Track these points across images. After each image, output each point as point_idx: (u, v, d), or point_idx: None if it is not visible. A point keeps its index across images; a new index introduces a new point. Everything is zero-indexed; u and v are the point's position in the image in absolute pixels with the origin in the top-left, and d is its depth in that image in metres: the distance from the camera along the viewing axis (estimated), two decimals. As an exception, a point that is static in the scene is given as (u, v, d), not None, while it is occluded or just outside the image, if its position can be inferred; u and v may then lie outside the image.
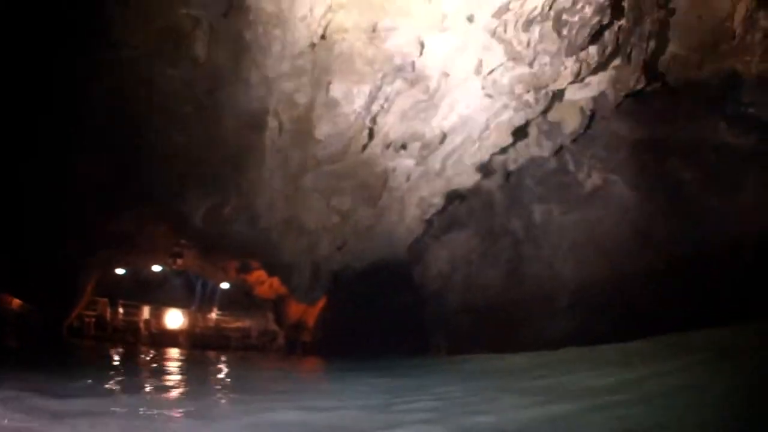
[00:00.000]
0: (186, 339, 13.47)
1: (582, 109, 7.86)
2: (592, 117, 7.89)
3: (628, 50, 6.22)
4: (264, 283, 12.83)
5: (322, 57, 7.31)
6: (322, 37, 6.97)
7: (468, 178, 8.43)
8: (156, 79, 7.17)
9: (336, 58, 7.23)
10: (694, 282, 6.46)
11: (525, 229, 8.64)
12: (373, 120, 7.70)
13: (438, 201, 8.80)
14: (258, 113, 7.54)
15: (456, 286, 9.01)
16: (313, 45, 7.11)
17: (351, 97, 7.40)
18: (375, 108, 7.58)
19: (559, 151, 8.45)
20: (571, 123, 7.96)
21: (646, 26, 6.06)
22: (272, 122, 7.72)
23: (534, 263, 8.28)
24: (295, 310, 12.67)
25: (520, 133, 7.83)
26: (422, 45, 6.79)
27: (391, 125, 7.94)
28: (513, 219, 8.86)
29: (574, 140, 8.06)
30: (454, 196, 8.86)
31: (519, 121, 7.63)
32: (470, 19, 6.54)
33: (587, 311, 7.39)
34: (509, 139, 7.73)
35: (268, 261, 10.05)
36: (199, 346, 12.71)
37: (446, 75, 7.31)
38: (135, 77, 7.12)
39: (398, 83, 7.41)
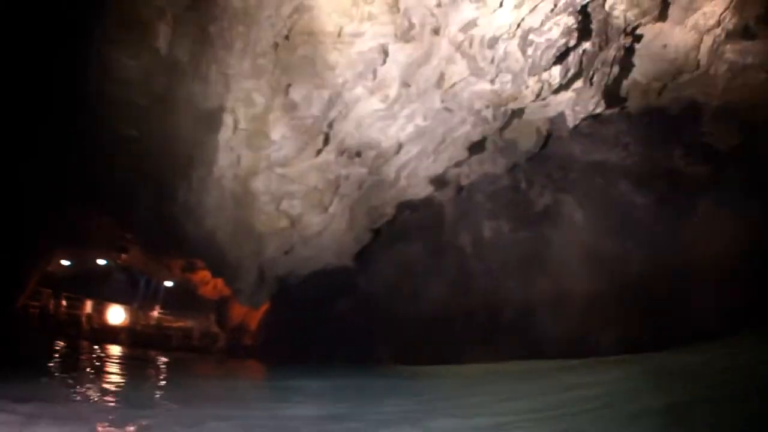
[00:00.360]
0: (127, 336, 12.98)
1: (538, 129, 7.98)
2: (548, 137, 8.07)
3: (591, 74, 6.33)
4: (208, 283, 12.57)
5: (284, 58, 7.22)
6: (286, 37, 6.89)
7: (421, 190, 8.43)
8: (113, 68, 7.01)
9: (298, 60, 7.20)
10: (641, 303, 6.65)
11: (473, 244, 8.71)
12: (330, 125, 7.66)
13: (390, 211, 8.77)
14: (214, 111, 7.36)
15: (402, 297, 8.98)
16: (276, 45, 7.01)
17: (310, 101, 7.31)
18: (333, 114, 7.54)
19: (512, 169, 8.63)
20: (527, 142, 8.07)
21: (611, 52, 6.19)
22: (228, 120, 7.56)
23: (481, 278, 8.33)
24: (237, 312, 12.40)
25: (476, 148, 7.89)
26: (386, 53, 6.79)
27: (347, 132, 7.87)
28: (462, 233, 8.91)
29: (528, 159, 8.24)
30: (405, 207, 8.87)
31: (476, 136, 7.70)
32: (436, 31, 6.61)
33: (533, 327, 7.51)
34: (465, 154, 7.79)
35: (213, 261, 9.79)
36: (140, 344, 12.31)
37: (407, 85, 7.32)
38: (90, 63, 6.95)
39: (358, 90, 7.40)
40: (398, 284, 8.83)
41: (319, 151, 7.82)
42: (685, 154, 6.78)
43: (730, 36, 5.97)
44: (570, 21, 5.67)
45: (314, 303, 8.71)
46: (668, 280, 6.56)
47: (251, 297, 9.66)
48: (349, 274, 8.93)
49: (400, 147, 7.89)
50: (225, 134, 7.61)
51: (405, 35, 6.53)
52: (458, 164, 8.16)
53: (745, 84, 6.21)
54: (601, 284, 7.18)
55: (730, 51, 6.11)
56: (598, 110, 6.84)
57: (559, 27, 5.80)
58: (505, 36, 6.07)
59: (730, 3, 5.68)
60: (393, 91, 7.28)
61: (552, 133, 7.81)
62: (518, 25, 5.92)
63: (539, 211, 8.13)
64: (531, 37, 5.98)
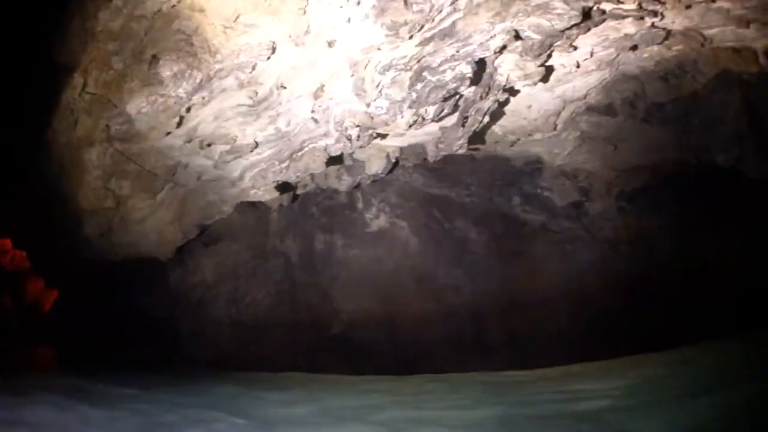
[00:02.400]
0: None
1: (388, 156, 8.33)
2: (395, 164, 8.45)
3: (465, 118, 6.80)
4: (7, 253, 10.61)
5: (160, 28, 6.59)
6: (173, 7, 6.32)
7: (266, 194, 8.16)
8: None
9: (173, 34, 6.55)
10: (468, 329, 7.32)
11: (301, 255, 8.71)
12: (188, 109, 7.11)
13: (227, 209, 8.30)
14: (66, 66, 6.40)
15: (220, 299, 8.54)
16: (158, 12, 6.40)
17: (180, 81, 6.70)
18: (196, 98, 7.04)
19: (354, 188, 8.86)
20: (375, 165, 8.28)
21: (487, 103, 6.70)
22: (78, 80, 6.60)
23: (308, 289, 8.35)
24: (33, 289, 10.68)
25: (332, 163, 7.96)
26: (273, 51, 6.56)
27: (204, 120, 7.37)
28: (289, 242, 8.86)
29: (372, 181, 8.53)
30: (244, 208, 8.56)
31: (335, 152, 7.69)
32: (331, 44, 6.57)
33: (359, 343, 7.75)
34: (322, 167, 7.80)
35: (18, 229, 8.35)
36: None
37: (282, 87, 7.15)
38: None
39: (230, 80, 6.98)
40: (217, 285, 8.42)
41: (168, 134, 7.21)
42: (523, 202, 7.63)
43: (590, 109, 6.89)
44: (466, 69, 6.07)
45: (123, 293, 7.89)
46: (497, 311, 7.37)
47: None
48: (166, 268, 8.27)
49: (255, 146, 7.58)
50: (68, 94, 6.58)
51: (297, 39, 6.39)
52: (312, 175, 8.15)
53: (590, 152, 7.21)
54: (432, 308, 7.77)
55: (585, 122, 7.04)
56: (460, 151, 7.37)
57: (453, 72, 6.16)
58: (401, 66, 6.27)
59: (600, 83, 6.60)
60: (264, 90, 7.02)
61: (399, 161, 8.21)
62: (417, 61, 6.18)
63: (373, 232, 8.43)
64: (425, 74, 6.27)
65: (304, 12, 6.05)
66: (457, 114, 6.76)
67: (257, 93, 7.02)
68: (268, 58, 6.56)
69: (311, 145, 7.61)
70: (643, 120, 6.69)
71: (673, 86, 6.45)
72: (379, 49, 6.11)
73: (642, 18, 5.76)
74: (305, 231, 8.58)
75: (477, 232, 7.79)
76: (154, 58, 6.64)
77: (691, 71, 6.38)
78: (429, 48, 6.00)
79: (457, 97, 6.60)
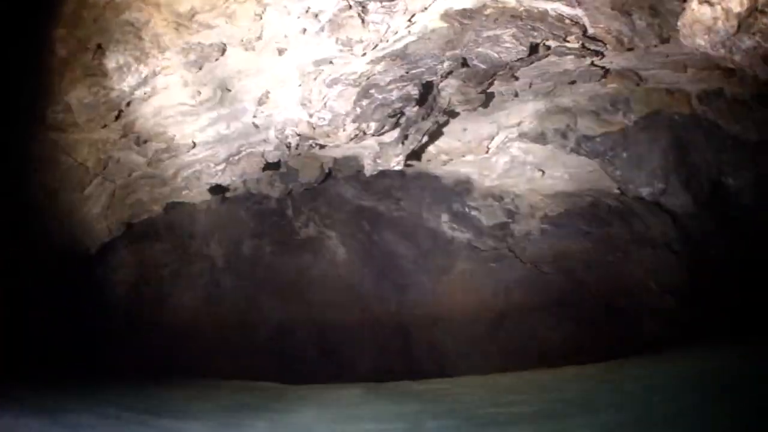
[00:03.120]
0: None
1: (322, 166, 8.44)
2: (328, 174, 8.56)
3: (404, 136, 7.03)
4: None
5: (108, 18, 6.34)
6: (127, -4, 6.15)
7: (198, 195, 8.07)
8: None
9: (122, 24, 6.36)
10: (394, 340, 7.52)
11: (228, 258, 8.63)
12: (129, 104, 6.91)
13: (157, 209, 8.07)
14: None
15: (145, 301, 8.33)
16: (111, 0, 6.19)
17: (123, 74, 6.53)
18: (139, 93, 6.85)
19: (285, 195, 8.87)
20: (309, 174, 8.35)
21: (428, 123, 6.95)
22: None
23: (236, 293, 8.28)
24: None
25: (270, 168, 7.96)
26: (222, 52, 6.52)
27: (143, 116, 7.17)
28: (214, 245, 8.75)
29: (304, 190, 8.57)
30: (171, 207, 8.36)
31: (273, 158, 7.73)
32: (281, 52, 6.61)
33: (288, 350, 7.75)
34: (258, 173, 7.78)
35: None
36: None
37: (226, 90, 7.10)
38: None
39: (175, 78, 6.84)
40: (141, 285, 8.18)
41: (104, 127, 6.96)
42: (451, 219, 7.92)
43: (522, 135, 7.29)
44: (413, 91, 6.29)
45: (47, 292, 7.49)
46: (423, 323, 7.61)
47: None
48: (90, 266, 7.94)
49: (192, 147, 7.45)
50: (2, 83, 6.24)
51: (249, 44, 6.40)
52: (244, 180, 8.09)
53: (518, 176, 7.62)
54: (359, 318, 7.90)
55: (516, 147, 7.44)
56: (397, 168, 7.60)
57: (400, 92, 6.35)
58: (349, 82, 6.40)
59: (535, 112, 7.02)
60: (207, 92, 6.95)
61: (332, 172, 8.33)
62: (367, 78, 6.35)
63: (302, 239, 8.49)
64: (372, 91, 6.43)
65: (261, 18, 6.10)
66: (398, 131, 6.97)
67: (200, 93, 6.93)
68: (217, 59, 6.55)
69: (249, 150, 7.59)
70: (572, 150, 7.17)
71: (605, 121, 6.96)
72: (331, 62, 6.24)
73: (583, 56, 6.19)
74: (233, 235, 8.52)
75: (405, 246, 8.05)
76: (99, 48, 6.45)
77: (623, 108, 6.91)
78: (379, 67, 6.18)
79: (400, 115, 6.84)
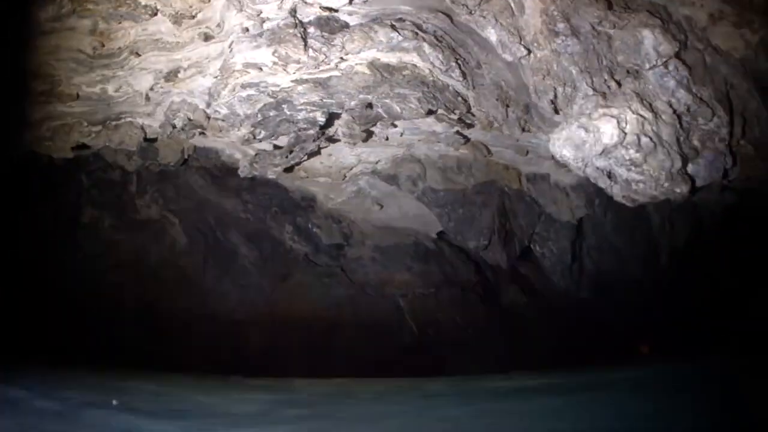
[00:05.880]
0: None
1: (183, 151, 8.37)
2: (186, 160, 8.49)
3: (290, 151, 7.47)
4: None
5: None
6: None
7: (58, 151, 7.40)
8: None
9: None
10: (230, 339, 7.77)
11: (67, 226, 8.05)
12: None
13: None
14: None
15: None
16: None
17: None
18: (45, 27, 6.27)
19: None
20: (169, 157, 8.21)
21: (312, 146, 7.48)
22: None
23: (78, 272, 7.84)
24: None
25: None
26: (152, 16, 6.26)
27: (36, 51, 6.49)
28: (49, 210, 8.10)
29: (162, 171, 8.39)
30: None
31: (152, 134, 7.57)
32: (207, 38, 6.55)
33: (118, 333, 7.42)
34: (135, 146, 7.51)
35: None
36: None
37: (135, 54, 6.68)
38: None
39: (85, 22, 6.35)
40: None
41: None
42: (294, 232, 8.46)
43: (375, 173, 8.43)
44: (319, 118, 6.88)
45: None
46: (260, 327, 7.95)
47: None
48: None
49: (75, 98, 6.95)
50: None
51: (179, 18, 6.23)
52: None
53: (358, 205, 8.61)
54: (197, 310, 7.91)
55: (366, 181, 8.43)
56: (271, 176, 8.00)
57: (307, 114, 6.83)
58: (267, 91, 6.65)
59: (392, 156, 8.28)
60: (112, 46, 6.62)
61: (188, 159, 8.38)
62: (286, 93, 6.69)
63: (143, 220, 8.29)
64: (284, 106, 6.79)
65: (208, 1, 6.19)
66: (286, 145, 7.50)
67: (104, 46, 6.64)
68: (145, 20, 6.36)
69: (128, 119, 7.35)
70: (418, 198, 8.41)
71: (449, 179, 8.30)
72: (260, 69, 6.54)
73: (454, 126, 7.44)
74: (70, 201, 7.97)
75: (249, 248, 8.40)
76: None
77: (466, 172, 8.30)
78: (301, 88, 6.66)
79: (300, 132, 7.36)
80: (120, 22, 6.33)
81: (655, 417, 4.14)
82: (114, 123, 7.24)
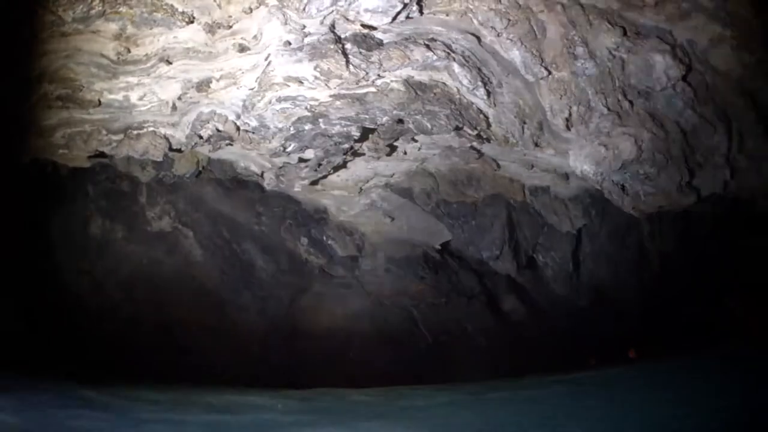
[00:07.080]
0: None
1: (198, 162, 8.27)
2: (200, 172, 8.35)
3: (318, 164, 7.54)
4: None
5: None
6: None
7: (74, 160, 7.18)
8: None
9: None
10: (253, 349, 7.71)
11: (68, 237, 7.76)
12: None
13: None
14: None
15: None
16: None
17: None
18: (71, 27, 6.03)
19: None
20: (184, 168, 8.07)
21: (339, 159, 7.63)
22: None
23: (83, 278, 7.61)
24: None
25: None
26: (188, 23, 6.13)
27: (55, 52, 6.24)
28: (55, 219, 7.84)
29: (174, 183, 8.24)
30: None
31: (177, 145, 7.28)
32: (242, 49, 6.44)
33: (136, 346, 7.23)
34: (161, 156, 7.25)
35: None
36: None
37: (165, 62, 6.45)
38: None
39: (111, 26, 6.03)
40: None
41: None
42: (309, 244, 8.47)
43: (388, 186, 8.59)
44: (354, 132, 7.00)
45: None
46: (281, 337, 7.94)
47: None
48: None
49: (97, 105, 6.74)
50: None
51: (213, 28, 6.16)
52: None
53: (370, 217, 8.70)
54: (215, 322, 7.83)
55: (378, 194, 8.57)
56: (297, 189, 7.97)
57: (342, 128, 6.97)
58: (305, 105, 6.74)
59: (407, 170, 8.44)
60: (138, 53, 6.38)
61: (201, 171, 8.27)
62: (325, 107, 6.78)
63: (155, 232, 8.08)
64: (320, 120, 6.92)
65: (250, 12, 6.10)
66: (314, 159, 7.55)
67: (129, 51, 6.36)
68: (180, 28, 6.17)
69: (151, 129, 7.15)
70: (431, 210, 8.66)
71: (460, 192, 8.59)
72: (301, 83, 6.59)
73: (471, 140, 7.69)
74: (78, 210, 7.71)
75: (265, 260, 8.35)
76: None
77: (475, 186, 8.61)
78: (339, 103, 6.75)
79: (324, 146, 7.43)
80: (151, 28, 6.08)
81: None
82: (136, 132, 6.98)
